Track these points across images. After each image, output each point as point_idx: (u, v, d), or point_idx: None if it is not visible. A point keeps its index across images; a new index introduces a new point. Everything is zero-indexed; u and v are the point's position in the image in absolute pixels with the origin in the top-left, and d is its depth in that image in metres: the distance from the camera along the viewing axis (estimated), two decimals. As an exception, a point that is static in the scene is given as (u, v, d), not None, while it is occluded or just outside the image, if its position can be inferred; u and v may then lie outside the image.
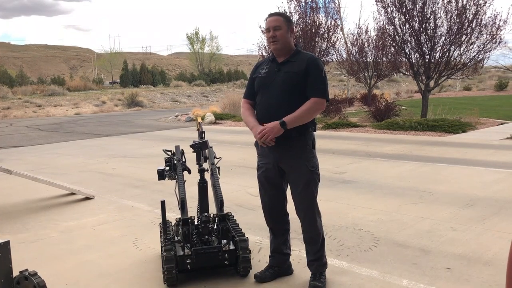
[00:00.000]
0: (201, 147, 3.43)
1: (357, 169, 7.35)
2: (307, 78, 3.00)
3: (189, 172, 3.58)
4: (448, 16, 13.13)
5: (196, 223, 3.45)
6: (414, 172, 6.95)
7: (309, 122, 3.06)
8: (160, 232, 3.71)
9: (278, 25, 3.05)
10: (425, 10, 13.27)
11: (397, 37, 14.11)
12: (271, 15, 3.14)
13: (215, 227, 3.45)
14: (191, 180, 3.88)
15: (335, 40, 18.73)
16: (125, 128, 16.45)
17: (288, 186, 3.24)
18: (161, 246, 3.39)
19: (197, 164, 3.50)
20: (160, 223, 3.74)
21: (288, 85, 3.02)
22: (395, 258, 3.67)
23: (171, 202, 4.45)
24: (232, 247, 3.35)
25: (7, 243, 2.77)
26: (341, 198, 5.54)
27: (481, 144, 9.60)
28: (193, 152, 3.49)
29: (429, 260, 3.61)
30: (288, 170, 3.11)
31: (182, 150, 3.73)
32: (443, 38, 13.41)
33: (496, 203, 5.12)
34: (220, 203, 3.33)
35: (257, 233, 4.25)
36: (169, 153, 3.71)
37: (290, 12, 17.03)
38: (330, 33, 17.93)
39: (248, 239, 3.37)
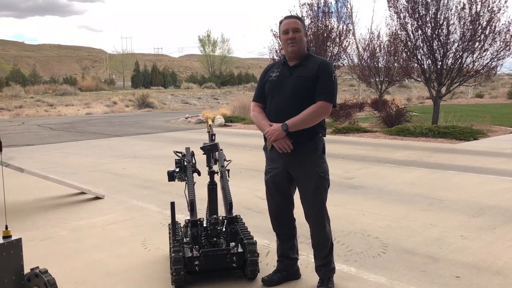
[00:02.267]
0: (211, 149, 3.45)
1: (367, 174, 7.32)
2: (317, 82, 3.01)
3: (199, 174, 3.59)
4: (461, 23, 13.05)
5: (205, 225, 3.46)
6: (424, 179, 6.91)
7: (318, 127, 3.06)
8: (169, 233, 3.72)
9: (297, 27, 3.07)
10: (438, 16, 13.20)
11: (409, 42, 14.05)
12: (289, 17, 3.15)
13: (224, 229, 3.46)
14: (201, 182, 3.89)
15: (346, 44, 18.73)
16: (135, 129, 16.55)
17: (296, 191, 3.24)
18: (170, 247, 3.41)
19: (207, 166, 3.51)
20: (169, 224, 3.76)
21: (299, 89, 3.03)
22: (404, 265, 3.65)
23: (180, 203, 4.47)
24: (240, 250, 3.36)
25: (19, 241, 2.81)
26: (350, 203, 5.52)
27: (493, 152, 9.52)
28: (203, 154, 3.50)
29: (438, 268, 3.58)
30: (298, 176, 3.10)
31: (192, 152, 3.75)
32: (456, 44, 13.33)
33: (507, 212, 5.07)
34: (229, 205, 3.34)
35: (265, 237, 4.25)
36: (180, 154, 3.72)
37: (302, 16, 17.04)
38: (341, 38, 17.92)
39: (256, 242, 3.37)
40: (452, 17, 13.17)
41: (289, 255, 3.33)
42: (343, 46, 18.09)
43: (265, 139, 3.19)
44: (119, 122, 19.68)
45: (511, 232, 4.42)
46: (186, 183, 3.54)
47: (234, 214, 3.38)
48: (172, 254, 3.22)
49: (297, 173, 3.10)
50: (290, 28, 3.06)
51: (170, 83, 54.50)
